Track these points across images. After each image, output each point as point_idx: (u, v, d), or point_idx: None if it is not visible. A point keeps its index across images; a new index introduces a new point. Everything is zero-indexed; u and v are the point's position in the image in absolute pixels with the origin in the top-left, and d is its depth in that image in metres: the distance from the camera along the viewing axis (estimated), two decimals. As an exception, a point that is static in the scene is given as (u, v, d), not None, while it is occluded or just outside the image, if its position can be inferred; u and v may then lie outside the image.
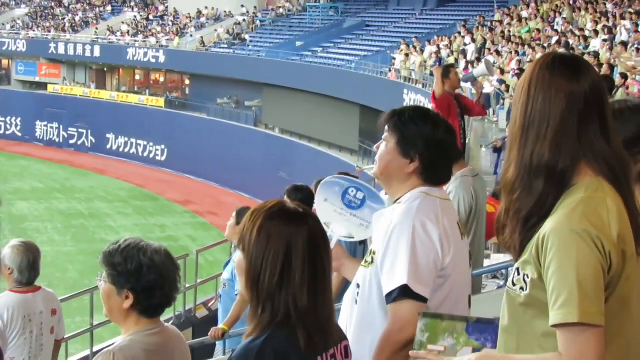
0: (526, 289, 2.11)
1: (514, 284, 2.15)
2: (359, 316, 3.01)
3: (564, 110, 2.12)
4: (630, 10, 21.31)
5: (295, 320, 2.32)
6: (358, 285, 3.05)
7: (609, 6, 23.32)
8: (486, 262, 7.99)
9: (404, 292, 2.84)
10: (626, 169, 2.17)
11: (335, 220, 3.47)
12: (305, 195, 6.08)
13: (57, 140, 42.50)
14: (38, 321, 5.37)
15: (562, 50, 17.54)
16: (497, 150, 14.51)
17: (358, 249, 5.78)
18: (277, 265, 2.33)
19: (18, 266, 5.25)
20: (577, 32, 21.19)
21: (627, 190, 2.15)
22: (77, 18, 51.18)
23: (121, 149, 40.28)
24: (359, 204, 3.57)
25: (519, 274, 2.14)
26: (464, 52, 26.04)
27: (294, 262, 2.34)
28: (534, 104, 2.15)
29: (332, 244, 3.17)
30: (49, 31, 49.58)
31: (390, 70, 29.86)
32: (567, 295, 1.99)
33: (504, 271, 7.98)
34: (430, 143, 3.02)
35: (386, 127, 3.10)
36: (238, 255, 2.51)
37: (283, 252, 2.34)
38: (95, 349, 9.02)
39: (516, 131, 2.18)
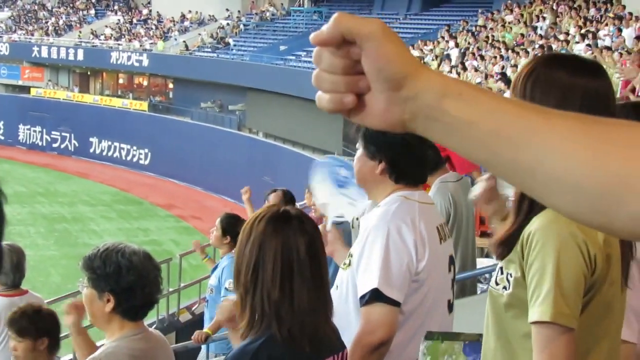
0: (509, 288, 2.11)
1: (497, 283, 2.15)
2: (337, 318, 3.03)
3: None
4: (611, 14, 21.43)
5: (268, 313, 2.39)
6: (337, 287, 3.06)
7: (592, 11, 23.45)
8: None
9: (375, 296, 2.88)
10: None
11: (329, 201, 3.53)
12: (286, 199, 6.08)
13: (40, 143, 42.26)
14: (25, 325, 5.35)
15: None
16: None
17: None
18: (252, 260, 2.45)
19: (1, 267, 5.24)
20: (561, 37, 21.30)
21: None
22: (60, 21, 51.00)
23: (104, 153, 40.10)
24: (346, 182, 3.60)
25: (502, 273, 2.14)
26: (448, 57, 26.10)
27: (267, 258, 2.44)
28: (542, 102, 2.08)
29: (328, 226, 3.28)
30: (32, 34, 49.37)
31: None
32: (544, 294, 1.99)
33: (487, 275, 7.98)
34: (393, 143, 3.07)
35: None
36: None
37: (257, 248, 2.45)
38: (78, 353, 8.98)
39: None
